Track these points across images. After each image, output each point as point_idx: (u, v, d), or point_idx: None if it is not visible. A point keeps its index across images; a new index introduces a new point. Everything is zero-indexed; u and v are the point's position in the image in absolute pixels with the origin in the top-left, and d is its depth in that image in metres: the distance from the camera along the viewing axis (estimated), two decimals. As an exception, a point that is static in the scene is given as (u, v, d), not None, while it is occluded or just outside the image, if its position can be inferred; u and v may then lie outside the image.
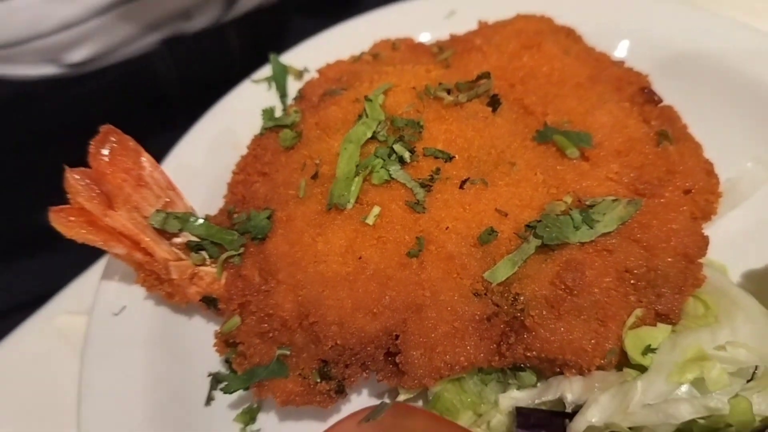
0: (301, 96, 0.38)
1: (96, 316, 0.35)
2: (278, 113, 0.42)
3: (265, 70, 0.46)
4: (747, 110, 0.39)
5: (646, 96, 0.37)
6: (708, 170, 0.34)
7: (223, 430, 0.34)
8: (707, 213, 0.33)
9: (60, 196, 0.33)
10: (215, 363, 0.36)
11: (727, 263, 0.35)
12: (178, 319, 0.36)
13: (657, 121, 0.36)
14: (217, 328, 0.35)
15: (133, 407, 0.33)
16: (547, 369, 0.31)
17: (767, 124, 0.39)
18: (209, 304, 0.34)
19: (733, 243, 0.35)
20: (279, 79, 0.44)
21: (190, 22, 0.71)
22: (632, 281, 0.31)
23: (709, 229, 0.33)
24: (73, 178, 0.30)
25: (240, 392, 0.34)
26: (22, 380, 0.42)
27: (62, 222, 0.31)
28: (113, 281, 0.36)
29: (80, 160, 0.34)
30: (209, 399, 0.34)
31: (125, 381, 0.34)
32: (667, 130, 0.35)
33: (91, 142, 0.33)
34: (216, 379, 0.34)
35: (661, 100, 0.37)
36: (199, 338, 0.35)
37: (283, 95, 0.44)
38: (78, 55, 0.71)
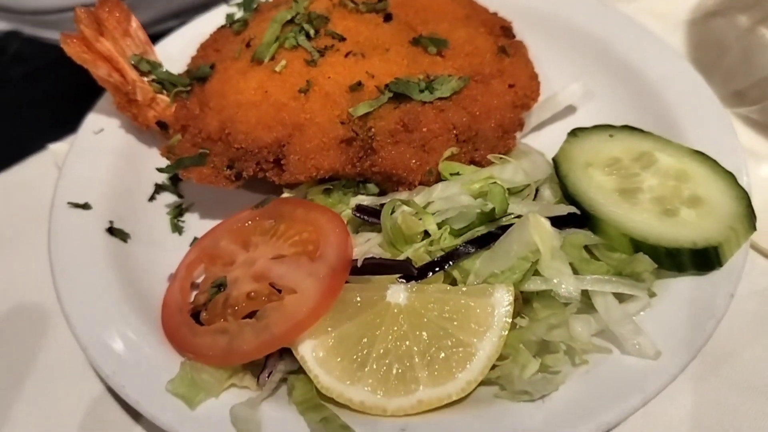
0: (257, 8, 0.51)
1: (80, 134, 0.47)
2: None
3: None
4: (580, 56, 0.50)
5: (503, 31, 0.49)
6: (531, 76, 0.46)
7: (159, 222, 0.45)
8: (525, 105, 0.44)
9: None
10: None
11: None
12: (139, 138, 0.48)
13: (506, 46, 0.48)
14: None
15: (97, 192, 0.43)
16: (386, 184, 0.41)
17: (596, 69, 0.48)
18: (161, 126, 0.45)
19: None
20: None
21: None
22: (455, 134, 0.42)
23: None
24: (80, 11, 0.42)
25: (174, 197, 0.46)
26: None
27: (67, 42, 0.42)
28: (97, 114, 0.48)
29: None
30: (152, 197, 0.46)
31: (94, 180, 0.44)
32: (507, 48, 0.47)
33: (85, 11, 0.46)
34: (158, 170, 0.45)
35: (514, 36, 0.49)
36: (151, 153, 0.46)
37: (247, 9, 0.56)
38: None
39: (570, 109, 0.48)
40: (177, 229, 0.44)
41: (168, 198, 0.46)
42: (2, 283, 0.48)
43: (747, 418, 0.37)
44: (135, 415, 0.39)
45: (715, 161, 0.41)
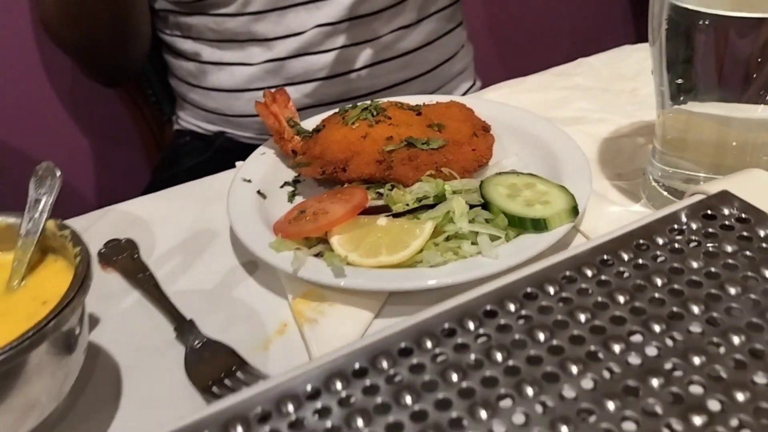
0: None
1: (253, 154, 0.76)
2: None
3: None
4: (523, 144, 0.82)
5: (482, 127, 0.82)
6: (488, 148, 0.78)
7: (282, 198, 0.81)
8: (481, 162, 0.76)
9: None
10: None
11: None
12: (281, 158, 0.77)
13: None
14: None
15: (255, 176, 0.74)
16: (396, 184, 0.75)
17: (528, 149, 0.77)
18: (294, 152, 0.82)
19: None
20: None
21: None
22: (437, 166, 0.75)
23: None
24: (267, 92, 0.83)
25: (291, 188, 0.82)
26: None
27: (258, 104, 0.82)
28: (264, 146, 0.79)
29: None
30: (282, 185, 0.82)
31: (255, 171, 0.74)
32: (478, 133, 0.80)
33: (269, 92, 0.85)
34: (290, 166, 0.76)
35: (487, 130, 0.83)
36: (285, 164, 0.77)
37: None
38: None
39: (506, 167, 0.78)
40: (290, 200, 0.81)
41: (288, 188, 0.76)
42: (202, 276, 0.64)
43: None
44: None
45: (566, 189, 0.71)
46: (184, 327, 0.57)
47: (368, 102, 0.72)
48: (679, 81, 0.59)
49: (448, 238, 0.59)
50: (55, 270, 0.49)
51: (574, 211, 0.60)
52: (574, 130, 0.72)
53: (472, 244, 0.58)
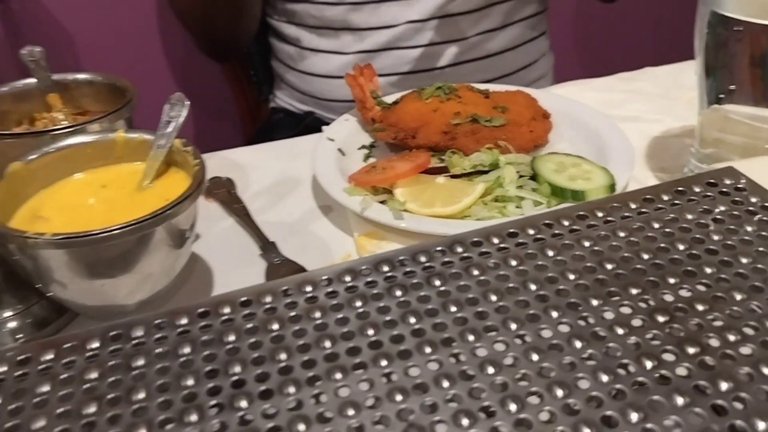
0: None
1: (338, 119, 0.91)
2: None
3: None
4: (576, 130, 0.91)
5: (543, 113, 0.91)
6: (545, 131, 0.87)
7: (358, 157, 0.93)
8: (537, 143, 0.85)
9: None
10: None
11: None
12: (362, 124, 0.93)
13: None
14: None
15: (337, 136, 0.91)
16: (457, 153, 0.85)
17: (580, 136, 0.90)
18: (373, 120, 0.93)
19: None
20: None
21: None
22: (496, 142, 0.84)
23: None
24: (357, 65, 0.95)
25: (367, 150, 0.94)
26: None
27: (348, 76, 0.94)
28: (348, 113, 0.93)
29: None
30: (360, 147, 0.94)
31: (338, 132, 0.86)
32: (536, 117, 0.89)
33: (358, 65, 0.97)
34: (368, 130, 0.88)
35: (547, 117, 0.91)
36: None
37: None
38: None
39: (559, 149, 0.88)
40: (365, 160, 0.92)
41: (364, 150, 0.84)
42: (285, 212, 0.77)
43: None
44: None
45: (608, 170, 0.79)
46: (267, 247, 0.69)
47: (443, 82, 0.82)
48: (717, 84, 0.67)
49: (497, 199, 0.69)
50: (177, 179, 0.61)
51: (612, 188, 0.68)
52: (628, 127, 0.77)
53: (517, 207, 0.68)
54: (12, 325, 0.51)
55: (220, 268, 0.65)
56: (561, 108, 0.83)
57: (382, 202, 0.68)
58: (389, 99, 0.83)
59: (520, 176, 0.69)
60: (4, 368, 0.31)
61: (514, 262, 0.38)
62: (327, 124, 0.90)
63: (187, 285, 0.62)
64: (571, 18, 2.10)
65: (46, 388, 0.32)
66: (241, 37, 1.10)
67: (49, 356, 0.32)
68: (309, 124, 1.11)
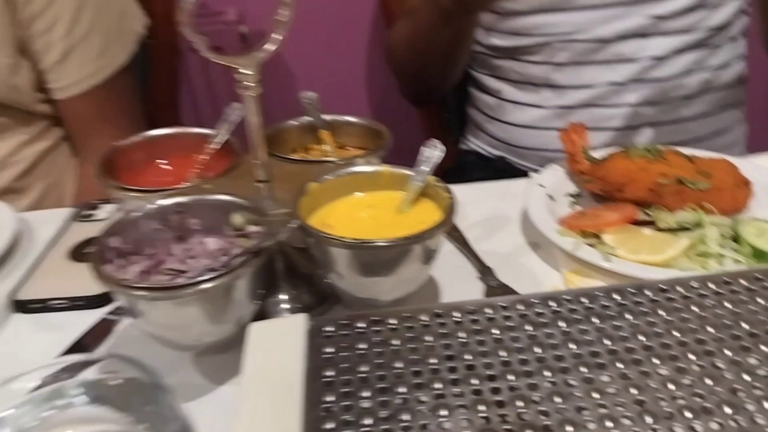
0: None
1: (541, 172, 1.02)
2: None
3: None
4: None
5: (744, 181, 0.96)
6: (746, 197, 0.92)
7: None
8: (737, 209, 0.91)
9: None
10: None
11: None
12: (564, 178, 1.07)
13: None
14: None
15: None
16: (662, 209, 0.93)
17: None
18: (581, 173, 1.04)
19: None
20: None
21: None
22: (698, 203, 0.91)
23: None
24: (573, 124, 1.06)
25: (572, 199, 1.04)
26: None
27: (562, 134, 1.05)
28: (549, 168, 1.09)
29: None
30: (551, 197, 1.05)
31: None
32: (740, 184, 0.94)
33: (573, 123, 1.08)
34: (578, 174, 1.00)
35: (748, 185, 0.96)
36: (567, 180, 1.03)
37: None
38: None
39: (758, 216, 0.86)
40: (571, 207, 1.04)
41: (570, 199, 0.90)
42: (497, 244, 0.84)
43: None
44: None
45: None
46: (485, 271, 0.81)
47: (650, 144, 0.92)
48: None
49: (699, 254, 0.77)
50: (428, 207, 0.74)
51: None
52: None
53: (718, 264, 0.76)
54: (285, 306, 0.68)
55: (445, 284, 0.78)
56: (760, 177, 0.90)
57: (589, 245, 0.78)
58: (596, 154, 0.93)
59: (722, 237, 0.77)
60: (331, 328, 0.47)
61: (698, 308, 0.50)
62: (517, 170, 1.02)
63: (420, 293, 0.76)
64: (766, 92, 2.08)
65: (364, 345, 0.47)
66: (445, 87, 1.18)
67: (362, 324, 0.48)
68: (499, 168, 1.18)
